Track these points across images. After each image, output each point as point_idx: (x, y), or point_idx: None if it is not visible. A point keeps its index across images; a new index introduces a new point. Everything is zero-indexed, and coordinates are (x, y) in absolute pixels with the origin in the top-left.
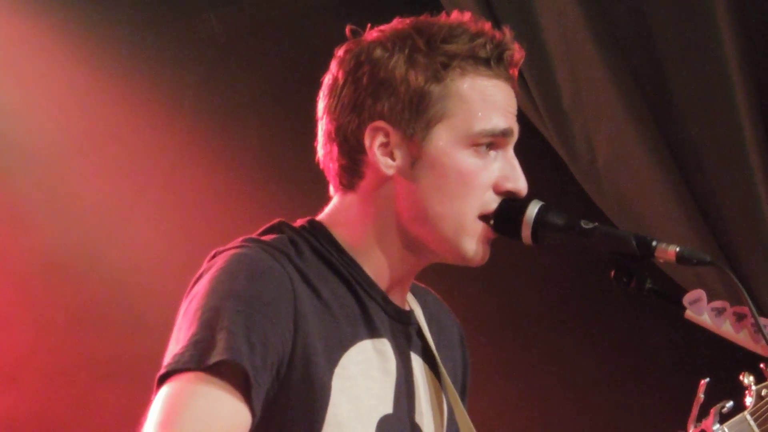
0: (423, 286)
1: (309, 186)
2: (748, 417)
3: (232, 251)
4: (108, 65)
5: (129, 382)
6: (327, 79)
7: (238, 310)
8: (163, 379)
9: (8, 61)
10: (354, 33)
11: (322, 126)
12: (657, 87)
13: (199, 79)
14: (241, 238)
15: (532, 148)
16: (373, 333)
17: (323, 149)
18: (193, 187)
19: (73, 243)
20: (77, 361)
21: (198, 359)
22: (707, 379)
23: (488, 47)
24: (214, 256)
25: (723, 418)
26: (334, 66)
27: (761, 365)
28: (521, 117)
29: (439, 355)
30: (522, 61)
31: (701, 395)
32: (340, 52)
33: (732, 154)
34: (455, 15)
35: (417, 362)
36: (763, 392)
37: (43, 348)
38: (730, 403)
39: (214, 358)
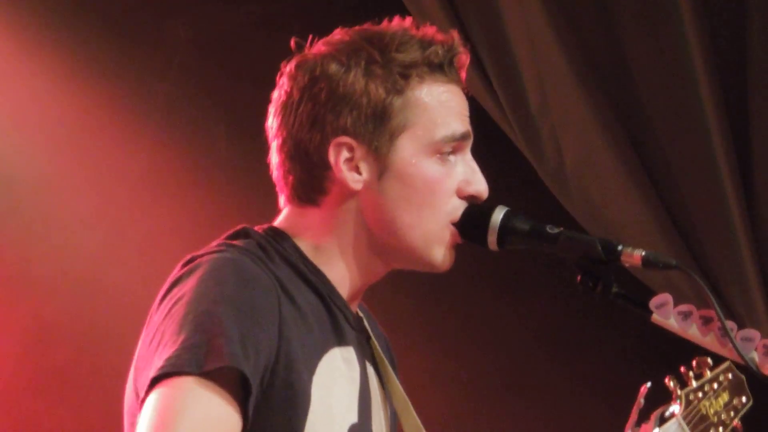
0: None
1: (272, 194)
2: (681, 421)
3: (213, 255)
4: (75, 72)
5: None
6: (278, 95)
7: (231, 315)
8: (155, 382)
9: None
10: (299, 46)
11: (278, 143)
12: (624, 90)
13: (167, 86)
14: (215, 243)
15: (500, 153)
16: (341, 341)
17: (280, 165)
18: (161, 193)
19: (38, 253)
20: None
21: (197, 363)
22: (648, 384)
23: (440, 53)
24: (190, 261)
25: (661, 422)
26: (285, 82)
27: (681, 369)
28: (489, 120)
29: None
30: (468, 62)
31: (641, 400)
32: (290, 67)
33: (700, 157)
34: (397, 21)
35: (370, 370)
36: (690, 396)
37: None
38: (673, 408)
39: (216, 363)
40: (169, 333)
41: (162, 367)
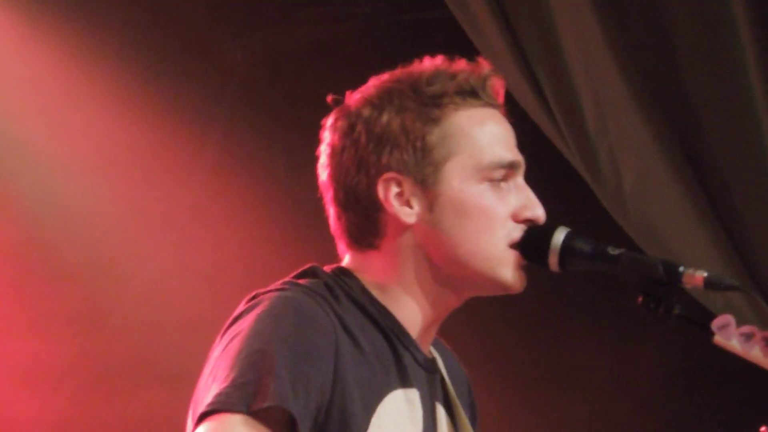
0: (436, 336)
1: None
2: None
3: (275, 293)
4: (132, 97)
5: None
6: (323, 150)
7: (284, 354)
8: (203, 417)
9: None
10: (336, 101)
11: (330, 195)
12: (682, 111)
13: (225, 110)
14: (280, 281)
15: (558, 174)
16: (405, 382)
17: (335, 216)
18: (217, 222)
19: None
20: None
21: (246, 402)
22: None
23: (471, 79)
24: (254, 297)
25: None
26: (327, 135)
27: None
28: (547, 142)
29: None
30: (505, 87)
31: None
32: (329, 121)
33: (759, 177)
34: (428, 60)
35: (440, 411)
36: None
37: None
38: None
39: (265, 402)
40: (222, 369)
41: (211, 404)
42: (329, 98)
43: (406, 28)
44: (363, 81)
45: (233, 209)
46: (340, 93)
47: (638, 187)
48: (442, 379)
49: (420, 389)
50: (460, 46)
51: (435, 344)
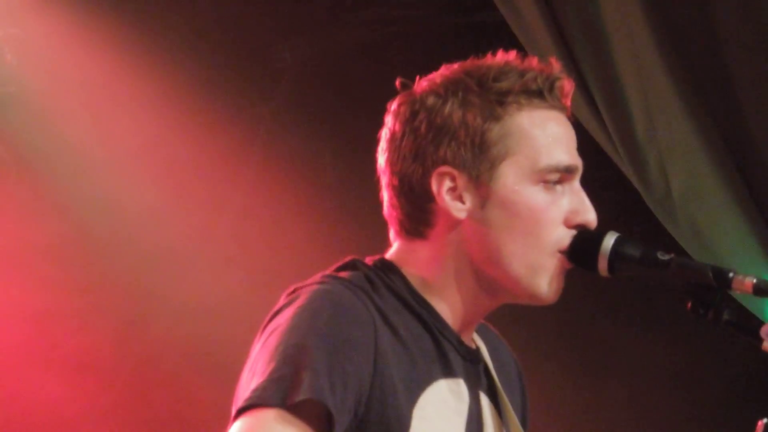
0: (482, 321)
1: (381, 223)
2: None
3: (314, 287)
4: (183, 99)
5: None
6: (384, 134)
7: (320, 348)
8: (241, 412)
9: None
10: (404, 86)
11: (386, 180)
12: (731, 116)
13: (273, 111)
14: (319, 274)
15: (606, 178)
16: (448, 373)
17: (389, 201)
18: (266, 221)
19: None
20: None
21: (282, 396)
22: (765, 420)
23: (539, 80)
24: (293, 291)
25: None
26: (389, 120)
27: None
28: (597, 147)
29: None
30: (573, 90)
31: None
32: (393, 105)
33: None
34: (501, 55)
35: (485, 401)
36: None
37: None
38: None
39: (300, 396)
40: (261, 363)
41: (248, 398)
42: (398, 82)
43: (456, 30)
44: (408, 86)
45: (281, 209)
46: (388, 97)
47: (687, 194)
48: (486, 368)
49: (465, 380)
50: (511, 50)
51: (481, 330)
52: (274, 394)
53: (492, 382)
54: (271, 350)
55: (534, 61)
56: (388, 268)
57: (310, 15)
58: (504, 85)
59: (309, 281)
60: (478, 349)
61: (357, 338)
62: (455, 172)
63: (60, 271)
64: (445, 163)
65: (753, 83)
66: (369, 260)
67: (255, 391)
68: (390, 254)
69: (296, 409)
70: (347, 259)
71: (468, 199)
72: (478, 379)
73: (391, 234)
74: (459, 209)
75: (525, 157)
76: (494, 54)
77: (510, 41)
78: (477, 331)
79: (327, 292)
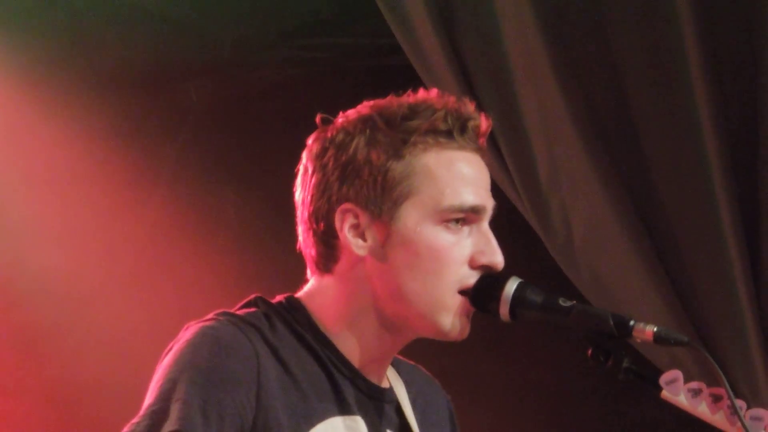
0: (412, 363)
1: (285, 259)
2: None
3: (202, 324)
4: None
5: None
6: (300, 169)
7: (195, 382)
8: None
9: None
10: (324, 121)
11: (299, 215)
12: (634, 167)
13: (177, 149)
14: (215, 312)
15: (510, 223)
16: (345, 410)
17: (302, 236)
18: (169, 259)
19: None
20: None
21: (151, 429)
22: None
23: (449, 119)
24: (187, 329)
25: None
26: (304, 155)
27: None
28: (500, 192)
29: (422, 431)
30: (489, 130)
31: None
32: (309, 141)
33: (708, 235)
34: (421, 93)
35: None
36: None
37: None
38: None
39: (167, 428)
40: (146, 399)
41: None
42: (318, 117)
43: (362, 73)
44: (314, 127)
45: (184, 247)
46: (293, 138)
47: (589, 241)
48: (399, 407)
49: (365, 417)
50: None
51: (406, 370)
52: (145, 428)
53: (405, 422)
54: (152, 386)
55: (451, 100)
56: (292, 305)
57: (217, 55)
58: (412, 124)
59: (203, 318)
60: (389, 388)
61: (237, 373)
62: (358, 210)
63: None
64: (348, 200)
65: (656, 135)
66: (277, 298)
67: (131, 425)
68: (301, 292)
69: None
70: (251, 297)
71: (369, 236)
72: (381, 417)
73: (308, 271)
74: (360, 246)
75: (428, 196)
76: (415, 92)
77: (418, 85)
78: (400, 372)
79: (210, 328)
